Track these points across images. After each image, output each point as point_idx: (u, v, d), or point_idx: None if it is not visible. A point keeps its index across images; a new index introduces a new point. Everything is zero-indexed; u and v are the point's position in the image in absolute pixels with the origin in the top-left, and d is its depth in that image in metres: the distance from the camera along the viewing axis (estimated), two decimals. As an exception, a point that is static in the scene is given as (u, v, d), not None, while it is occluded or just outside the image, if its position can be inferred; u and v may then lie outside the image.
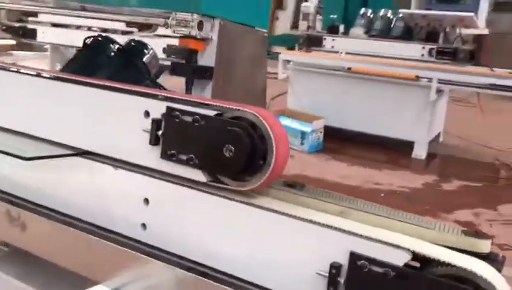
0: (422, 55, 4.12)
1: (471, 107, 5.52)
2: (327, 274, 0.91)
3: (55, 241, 1.21)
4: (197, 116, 1.04)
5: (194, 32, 1.15)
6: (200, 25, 1.14)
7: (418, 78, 3.93)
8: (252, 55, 1.34)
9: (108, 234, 1.17)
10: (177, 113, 1.07)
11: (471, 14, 3.80)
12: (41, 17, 2.21)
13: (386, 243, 0.87)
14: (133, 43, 1.67)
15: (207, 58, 1.20)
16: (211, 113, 1.03)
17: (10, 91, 1.31)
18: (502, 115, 5.79)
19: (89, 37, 1.67)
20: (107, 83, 1.19)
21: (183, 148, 1.07)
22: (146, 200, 1.14)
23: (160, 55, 5.73)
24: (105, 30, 6.67)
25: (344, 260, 0.90)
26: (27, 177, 1.28)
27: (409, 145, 4.26)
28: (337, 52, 4.34)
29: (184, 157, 1.06)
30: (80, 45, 1.63)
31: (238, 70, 1.29)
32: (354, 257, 0.88)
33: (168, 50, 5.72)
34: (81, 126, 1.22)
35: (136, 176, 1.15)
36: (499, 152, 4.59)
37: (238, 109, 1.02)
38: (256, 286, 0.98)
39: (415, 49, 4.12)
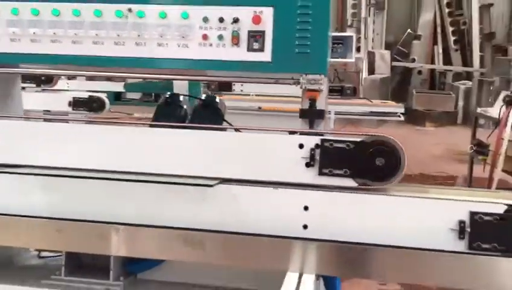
0: (318, 92, 5.02)
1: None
2: (457, 228, 1.49)
3: (233, 250, 1.57)
4: (348, 143, 1.55)
5: (323, 87, 1.66)
6: (323, 82, 1.66)
7: (318, 111, 4.76)
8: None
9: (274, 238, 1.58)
10: (331, 142, 1.57)
11: (352, 60, 4.81)
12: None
13: (489, 202, 1.49)
14: (206, 97, 2.08)
15: (318, 104, 1.71)
16: (357, 139, 1.56)
17: (183, 145, 1.64)
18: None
19: (170, 96, 2.02)
20: (266, 128, 1.63)
21: (337, 166, 1.56)
22: (306, 207, 1.58)
23: (66, 108, 5.74)
24: None
25: (466, 217, 1.49)
26: (202, 207, 1.61)
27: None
28: (248, 95, 4.97)
29: (339, 171, 1.56)
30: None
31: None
32: (472, 213, 1.49)
33: (75, 103, 5.72)
34: (243, 160, 1.61)
35: (295, 191, 1.59)
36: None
37: (374, 135, 1.57)
38: (410, 248, 1.51)
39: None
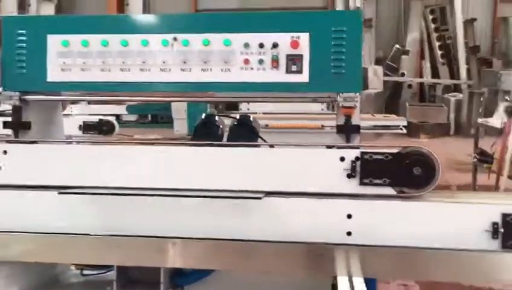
0: (322, 109, 5.18)
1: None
2: (491, 229, 1.62)
3: (282, 258, 1.69)
4: (387, 154, 1.69)
5: (357, 104, 1.80)
6: (357, 98, 1.80)
7: (323, 126, 4.92)
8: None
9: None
10: (370, 155, 1.70)
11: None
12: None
13: (518, 204, 1.63)
14: (241, 116, 2.21)
15: (353, 119, 1.84)
16: (394, 151, 1.69)
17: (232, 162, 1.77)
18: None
19: (207, 117, 2.15)
20: (302, 143, 1.76)
21: (377, 176, 1.69)
22: (349, 215, 1.71)
23: (76, 132, 5.86)
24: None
25: (498, 219, 1.62)
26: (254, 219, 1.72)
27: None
28: (255, 113, 5.10)
29: (379, 181, 1.69)
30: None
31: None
32: (504, 215, 1.62)
33: (86, 127, 5.82)
34: (288, 174, 1.74)
35: (338, 201, 1.71)
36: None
37: (409, 146, 1.70)
38: (447, 249, 1.63)
39: (316, 106, 5.15)
